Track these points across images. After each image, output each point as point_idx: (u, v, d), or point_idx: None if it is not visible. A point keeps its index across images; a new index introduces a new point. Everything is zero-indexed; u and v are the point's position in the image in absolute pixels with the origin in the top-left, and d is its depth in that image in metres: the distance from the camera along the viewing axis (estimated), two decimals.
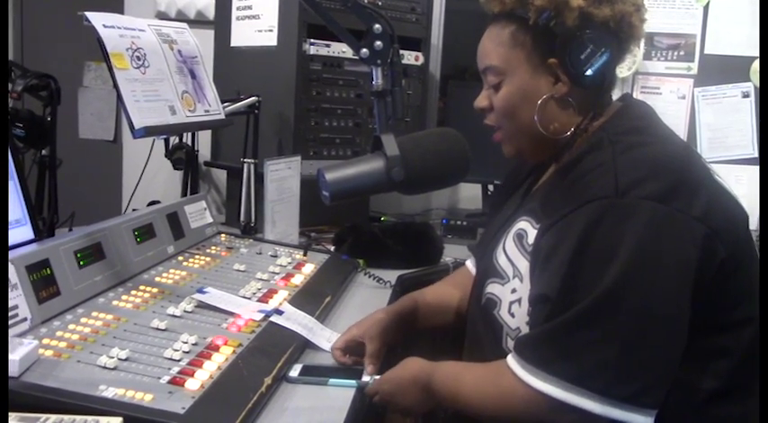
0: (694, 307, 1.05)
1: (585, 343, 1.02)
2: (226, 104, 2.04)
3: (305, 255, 1.89)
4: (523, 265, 1.18)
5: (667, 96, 2.56)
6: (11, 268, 1.17)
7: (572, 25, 1.16)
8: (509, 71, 1.23)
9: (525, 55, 1.21)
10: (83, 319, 1.26)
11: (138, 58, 1.64)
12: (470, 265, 1.56)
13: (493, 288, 1.24)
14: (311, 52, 2.25)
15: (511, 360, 1.09)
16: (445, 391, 1.19)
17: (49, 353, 1.12)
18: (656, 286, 1.02)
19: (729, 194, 1.16)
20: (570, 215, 1.08)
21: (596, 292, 1.01)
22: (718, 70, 2.51)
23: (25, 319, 1.18)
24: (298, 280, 1.69)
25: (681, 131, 2.52)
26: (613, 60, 1.19)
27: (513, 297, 1.19)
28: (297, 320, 1.42)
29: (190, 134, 2.50)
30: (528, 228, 1.19)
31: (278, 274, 1.71)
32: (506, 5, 1.21)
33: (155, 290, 1.45)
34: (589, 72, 1.17)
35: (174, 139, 2.51)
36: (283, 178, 2.07)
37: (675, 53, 2.55)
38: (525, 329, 1.16)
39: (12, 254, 1.22)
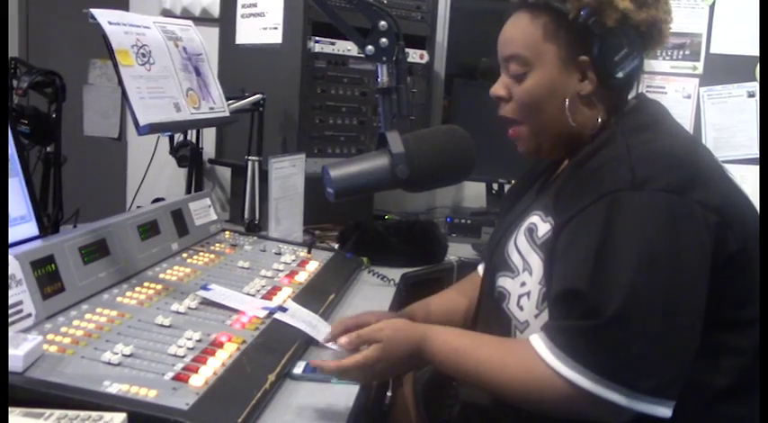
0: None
1: (619, 340, 1.02)
2: (230, 102, 2.04)
3: (309, 252, 1.89)
4: (534, 259, 1.18)
5: (672, 95, 2.56)
6: (16, 264, 1.18)
7: (611, 25, 1.16)
8: (537, 63, 1.21)
9: (557, 49, 1.20)
10: (87, 315, 1.26)
11: (144, 55, 1.64)
12: (481, 270, 1.55)
13: (503, 282, 1.24)
14: (316, 50, 2.25)
15: (540, 345, 1.08)
16: (454, 363, 1.14)
17: (53, 348, 1.12)
18: (680, 279, 1.04)
19: (742, 192, 1.17)
20: (587, 209, 1.08)
21: (626, 290, 1.01)
22: (724, 70, 2.50)
23: (30, 315, 1.18)
24: (302, 277, 1.69)
25: None
26: (642, 64, 1.19)
27: (522, 290, 1.19)
28: (301, 318, 1.42)
29: (194, 131, 2.51)
30: (538, 221, 1.20)
31: (282, 271, 1.71)
32: None
33: (159, 286, 1.45)
34: (620, 74, 1.17)
35: (178, 137, 2.51)
36: (288, 176, 2.07)
37: (681, 52, 2.54)
38: (533, 323, 1.16)
39: (16, 250, 1.22)
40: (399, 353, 1.15)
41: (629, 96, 1.29)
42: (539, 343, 1.08)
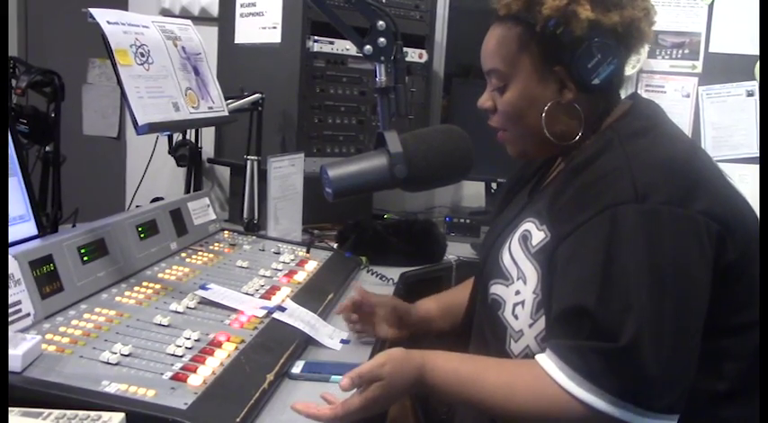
0: None
1: (636, 363, 1.00)
2: (229, 101, 2.04)
3: (308, 252, 1.89)
4: (528, 267, 1.16)
5: (672, 95, 2.56)
6: (15, 264, 1.18)
7: (580, 34, 1.15)
8: (514, 76, 1.21)
9: (531, 60, 1.20)
10: (86, 315, 1.26)
11: (142, 55, 1.64)
12: None
13: (497, 289, 1.22)
14: (315, 49, 2.25)
15: (551, 366, 1.05)
16: (458, 392, 1.12)
17: (52, 348, 1.12)
18: (687, 293, 1.03)
19: (741, 196, 1.16)
20: (589, 222, 1.06)
21: (638, 310, 1.00)
22: (723, 69, 2.50)
23: (28, 315, 1.18)
24: (300, 277, 1.69)
25: (685, 130, 2.50)
26: (621, 66, 1.18)
27: (516, 299, 1.17)
28: (299, 317, 1.42)
29: (193, 131, 2.51)
30: (532, 229, 1.18)
31: (281, 270, 1.71)
32: (512, 9, 1.19)
33: (158, 286, 1.45)
34: (596, 81, 1.16)
35: (177, 136, 2.51)
36: (286, 175, 2.07)
37: (680, 51, 2.54)
38: (528, 332, 1.15)
39: (15, 249, 1.22)
40: (401, 384, 1.10)
41: (623, 96, 1.28)
42: (548, 364, 1.05)
